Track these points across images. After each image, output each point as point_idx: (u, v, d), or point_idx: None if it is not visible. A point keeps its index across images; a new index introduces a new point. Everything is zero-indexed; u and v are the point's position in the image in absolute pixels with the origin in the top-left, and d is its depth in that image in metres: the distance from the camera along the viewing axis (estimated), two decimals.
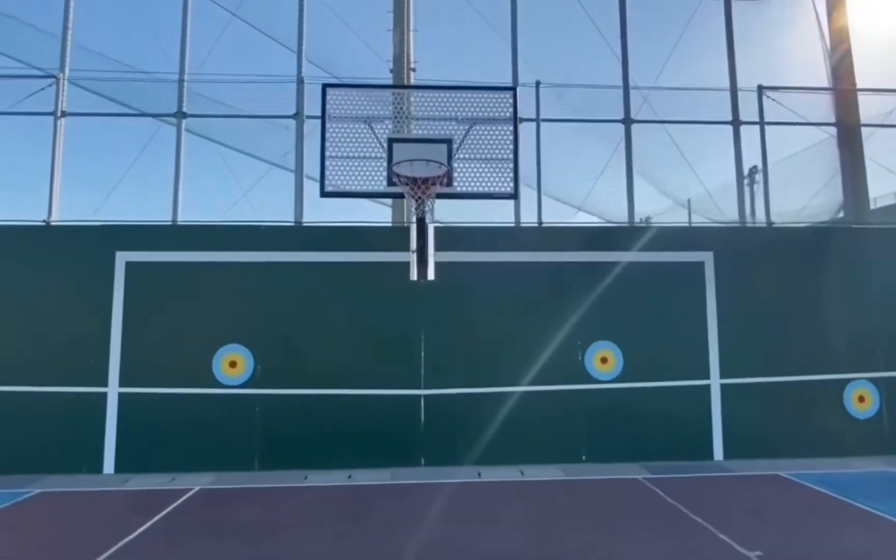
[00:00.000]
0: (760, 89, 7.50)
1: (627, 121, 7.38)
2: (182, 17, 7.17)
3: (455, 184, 4.70)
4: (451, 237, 6.32)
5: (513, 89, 4.82)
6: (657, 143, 7.73)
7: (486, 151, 4.82)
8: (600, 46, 7.86)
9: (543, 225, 6.71)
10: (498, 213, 6.89)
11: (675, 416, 6.29)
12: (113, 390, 6.00)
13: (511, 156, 4.83)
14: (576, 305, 6.32)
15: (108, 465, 5.83)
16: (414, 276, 6.34)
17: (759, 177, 8.84)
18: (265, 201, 6.85)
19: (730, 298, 6.50)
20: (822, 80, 8.32)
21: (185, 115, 6.86)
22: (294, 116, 6.90)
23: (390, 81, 7.22)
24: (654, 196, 8.15)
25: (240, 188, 7.27)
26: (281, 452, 5.91)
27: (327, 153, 4.67)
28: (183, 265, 6.25)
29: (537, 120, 7.05)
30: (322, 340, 6.13)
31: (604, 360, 6.34)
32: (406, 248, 6.30)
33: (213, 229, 6.40)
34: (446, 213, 6.20)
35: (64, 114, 6.77)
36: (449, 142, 4.63)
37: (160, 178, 7.10)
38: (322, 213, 6.99)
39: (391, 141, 4.54)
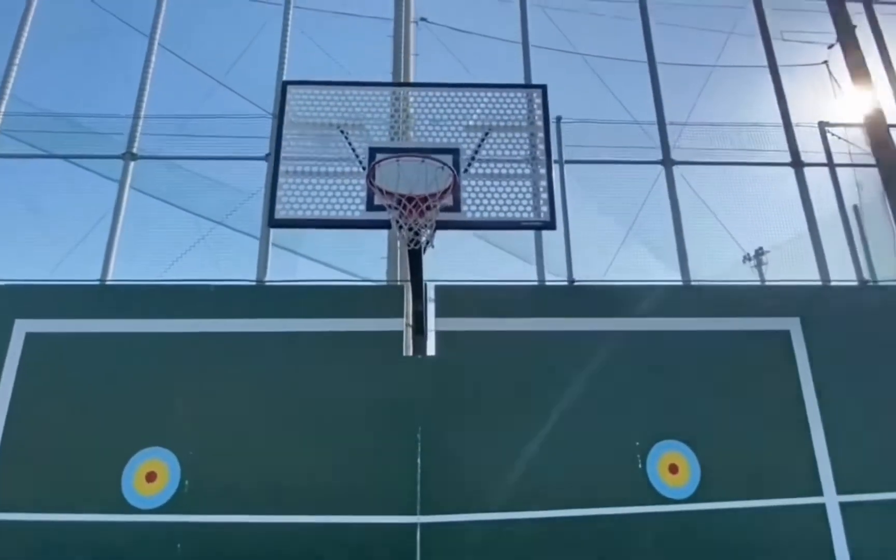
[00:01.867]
0: (823, 126, 6.33)
1: (667, 162, 6.13)
2: (146, 54, 6.20)
3: (464, 209, 3.28)
4: (457, 299, 4.81)
5: (542, 87, 3.57)
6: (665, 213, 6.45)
7: (505, 166, 3.44)
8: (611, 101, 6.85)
9: (576, 283, 5.21)
10: (514, 270, 5.45)
11: (782, 550, 4.37)
12: None
13: (542, 171, 3.44)
14: (630, 390, 4.64)
15: None
16: (409, 350, 4.79)
17: (766, 258, 7.63)
18: (217, 262, 5.40)
19: (833, 379, 4.82)
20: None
21: (134, 157, 5.64)
22: (265, 158, 5.67)
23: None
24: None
25: (195, 246, 5.86)
26: None
27: (283, 169, 3.29)
28: (103, 338, 4.69)
29: (560, 161, 5.84)
30: (278, 442, 4.39)
31: (673, 469, 4.53)
32: (398, 314, 4.77)
33: (148, 291, 4.91)
34: (449, 268, 4.75)
35: None
36: (455, 152, 3.27)
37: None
38: (296, 273, 5.58)
39: (374, 151, 3.18)
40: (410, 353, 4.75)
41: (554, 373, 4.67)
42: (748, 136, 6.54)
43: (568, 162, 5.86)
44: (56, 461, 4.34)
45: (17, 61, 5.93)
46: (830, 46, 8.06)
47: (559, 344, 4.76)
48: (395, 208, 2.99)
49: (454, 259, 5.42)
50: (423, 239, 3.04)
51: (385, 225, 3.09)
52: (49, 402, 4.51)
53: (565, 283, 5.18)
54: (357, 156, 3.26)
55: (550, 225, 3.28)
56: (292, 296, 4.89)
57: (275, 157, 3.27)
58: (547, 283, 5.21)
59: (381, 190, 2.94)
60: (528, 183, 3.38)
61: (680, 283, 5.43)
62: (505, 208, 3.28)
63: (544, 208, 3.29)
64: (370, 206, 3.25)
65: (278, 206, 3.19)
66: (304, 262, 5.50)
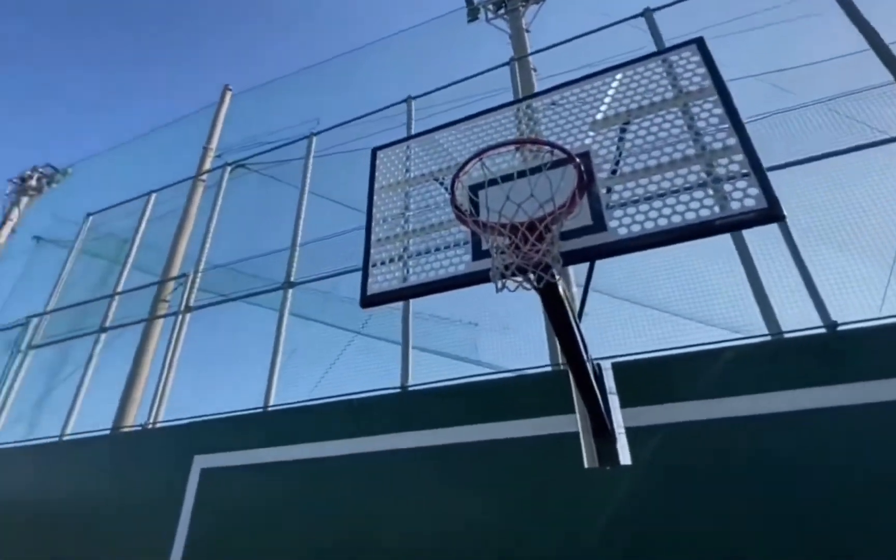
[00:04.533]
0: None
1: None
2: (298, 200, 6.87)
3: (612, 224, 2.13)
4: (651, 378, 3.42)
5: (696, 41, 2.39)
6: None
7: (665, 153, 2.24)
8: None
9: (842, 327, 3.28)
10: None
11: None
12: None
13: (730, 142, 2.14)
14: None
15: None
16: (593, 460, 3.48)
17: None
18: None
19: None
20: None
21: (292, 285, 6.05)
22: None
23: None
24: None
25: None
26: None
27: (374, 238, 2.71)
28: (259, 470, 4.56)
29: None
30: None
31: None
32: (569, 409, 3.57)
33: (292, 414, 4.72)
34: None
35: (189, 308, 6.60)
36: (584, 156, 2.26)
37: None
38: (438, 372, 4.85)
39: (473, 190, 2.39)
40: (596, 464, 3.43)
41: (820, 477, 2.77)
42: None
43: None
44: None
45: (210, 235, 7.23)
46: None
47: (823, 427, 2.89)
48: (502, 246, 2.07)
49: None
50: (552, 277, 2.00)
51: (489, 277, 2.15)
52: (223, 539, 4.40)
53: (823, 331, 3.31)
54: (454, 200, 2.50)
55: (776, 214, 1.89)
56: (438, 400, 4.12)
57: (366, 230, 2.74)
58: (787, 335, 3.40)
59: (486, 227, 2.08)
60: (711, 166, 2.12)
61: None
62: (680, 208, 2.05)
63: (753, 192, 1.95)
64: (477, 254, 2.40)
65: (371, 282, 2.58)
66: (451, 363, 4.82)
